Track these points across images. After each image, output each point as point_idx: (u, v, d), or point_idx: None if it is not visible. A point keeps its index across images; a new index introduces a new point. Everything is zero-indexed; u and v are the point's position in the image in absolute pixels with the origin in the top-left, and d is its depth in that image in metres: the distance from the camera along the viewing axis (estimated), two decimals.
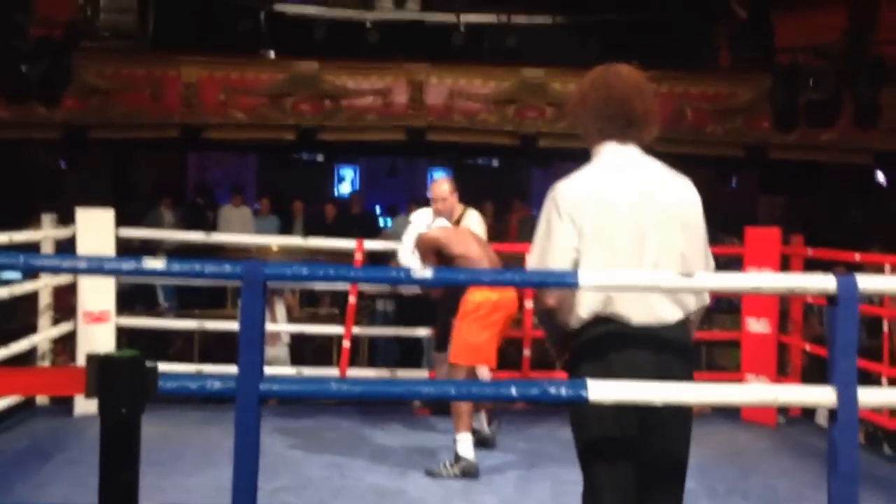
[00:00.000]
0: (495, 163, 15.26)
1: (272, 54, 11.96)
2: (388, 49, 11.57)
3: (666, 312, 2.73)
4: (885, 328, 6.07)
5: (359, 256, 6.61)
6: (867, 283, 3.05)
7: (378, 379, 6.32)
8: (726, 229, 7.76)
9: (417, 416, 6.30)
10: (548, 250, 2.78)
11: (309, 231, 10.30)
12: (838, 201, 12.60)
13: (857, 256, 6.32)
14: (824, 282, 3.01)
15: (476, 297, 5.25)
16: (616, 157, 2.80)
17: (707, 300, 2.85)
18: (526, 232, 11.91)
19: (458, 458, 5.06)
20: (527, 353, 6.54)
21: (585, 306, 2.75)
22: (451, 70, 11.15)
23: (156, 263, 2.47)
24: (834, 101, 10.20)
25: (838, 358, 2.95)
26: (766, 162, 11.10)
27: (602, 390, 2.79)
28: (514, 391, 2.84)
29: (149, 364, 1.80)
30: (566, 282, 2.81)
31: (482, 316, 5.25)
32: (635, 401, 2.91)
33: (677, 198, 2.76)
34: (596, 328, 2.75)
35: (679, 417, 2.81)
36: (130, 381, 1.76)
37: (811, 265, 6.42)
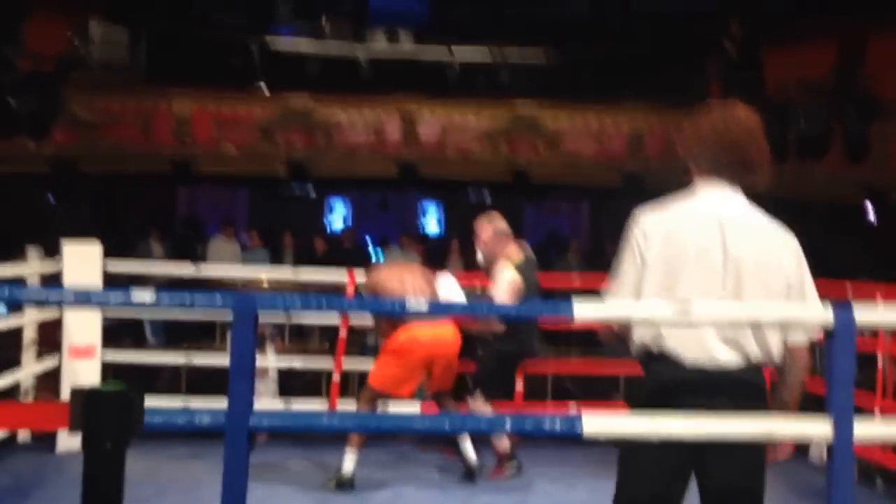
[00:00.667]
0: (488, 197, 15.27)
1: (264, 89, 11.99)
2: (381, 84, 11.63)
3: (721, 355, 2.68)
4: (880, 362, 6.02)
5: (351, 289, 6.55)
6: (864, 315, 3.02)
7: (373, 414, 6.22)
8: None
9: (405, 448, 6.22)
10: (615, 275, 2.82)
11: (299, 265, 10.25)
12: (829, 234, 12.62)
13: (849, 289, 6.30)
14: (821, 313, 2.98)
15: (401, 335, 5.35)
16: (708, 198, 2.78)
17: (774, 355, 2.77)
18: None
19: (337, 471, 5.33)
20: (519, 385, 6.48)
21: (637, 338, 2.76)
22: (444, 105, 11.21)
23: (144, 296, 2.42)
24: (824, 136, 10.24)
25: (835, 391, 2.91)
26: (757, 195, 11.13)
27: (596, 425, 2.75)
28: (508, 425, 2.79)
29: (134, 398, 1.75)
30: (561, 313, 2.79)
31: (399, 353, 5.38)
32: (633, 436, 2.87)
33: (756, 247, 2.73)
34: (652, 365, 2.74)
35: (742, 447, 2.77)
36: (116, 415, 1.71)
37: None
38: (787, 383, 2.89)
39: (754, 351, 2.72)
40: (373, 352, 10.06)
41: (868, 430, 3.04)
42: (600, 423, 2.78)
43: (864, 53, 10.41)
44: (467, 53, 12.05)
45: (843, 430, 2.87)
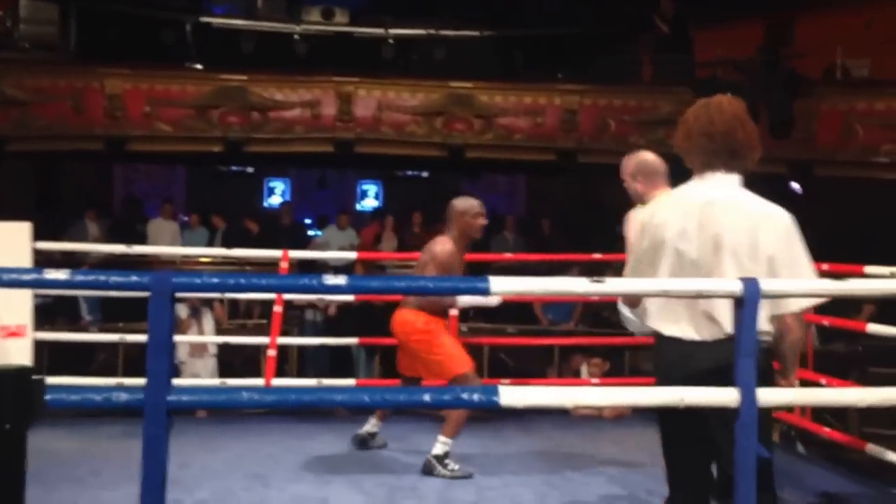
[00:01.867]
0: (425, 174, 15.33)
1: (198, 66, 11.85)
2: (317, 61, 11.57)
3: (689, 328, 2.92)
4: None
5: (284, 266, 6.52)
6: (770, 285, 3.14)
7: (293, 387, 6.26)
8: None
9: (342, 423, 6.26)
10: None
11: (231, 244, 10.21)
12: None
13: None
14: (730, 285, 3.10)
15: None
16: (698, 185, 2.97)
17: (759, 327, 2.92)
18: None
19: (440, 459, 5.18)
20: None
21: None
22: (380, 82, 11.22)
23: (57, 274, 2.43)
24: (750, 113, 10.45)
25: (741, 359, 3.03)
26: (687, 171, 11.36)
27: (512, 395, 2.84)
28: (427, 397, 2.86)
29: (34, 378, 1.77)
30: (477, 289, 2.89)
31: None
32: (546, 405, 2.98)
33: (734, 223, 2.88)
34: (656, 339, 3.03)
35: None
36: (14, 395, 1.72)
37: None
38: (779, 354, 3.03)
39: (731, 324, 2.88)
40: (312, 327, 10.11)
41: (772, 395, 3.18)
42: (516, 394, 2.88)
43: (790, 33, 10.68)
44: (403, 32, 12.05)
45: (747, 396, 3.00)
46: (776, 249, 2.91)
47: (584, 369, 8.80)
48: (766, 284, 3.05)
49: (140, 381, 5.53)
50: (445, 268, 5.19)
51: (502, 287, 2.97)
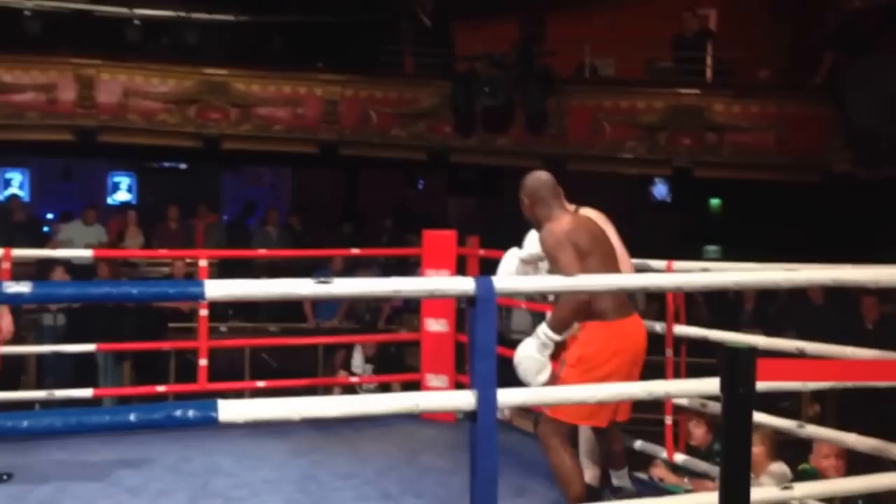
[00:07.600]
0: (183, 166, 14.65)
1: None
2: (52, 41, 10.69)
3: None
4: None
5: (6, 266, 5.87)
6: (503, 283, 3.09)
7: None
8: (416, 230, 7.86)
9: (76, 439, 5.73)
10: None
11: None
12: (518, 204, 13.30)
13: None
14: (463, 284, 3.01)
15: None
16: None
17: None
18: (213, 238, 11.47)
19: None
20: (203, 363, 6.17)
21: None
22: (125, 66, 10.60)
23: None
24: (507, 109, 10.79)
25: (477, 360, 2.95)
26: (448, 165, 11.54)
27: (232, 410, 2.62)
28: (133, 417, 2.56)
29: None
30: (191, 293, 2.62)
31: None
32: (269, 419, 2.77)
33: None
34: None
35: None
36: None
37: (488, 265, 6.61)
38: None
39: None
40: (51, 332, 9.31)
41: (510, 396, 3.13)
42: (237, 408, 2.66)
43: (542, 32, 11.08)
44: (150, 12, 11.39)
45: (486, 397, 2.92)
46: None
47: (357, 355, 9.02)
48: (499, 283, 2.99)
49: None
50: None
51: (218, 291, 2.74)
